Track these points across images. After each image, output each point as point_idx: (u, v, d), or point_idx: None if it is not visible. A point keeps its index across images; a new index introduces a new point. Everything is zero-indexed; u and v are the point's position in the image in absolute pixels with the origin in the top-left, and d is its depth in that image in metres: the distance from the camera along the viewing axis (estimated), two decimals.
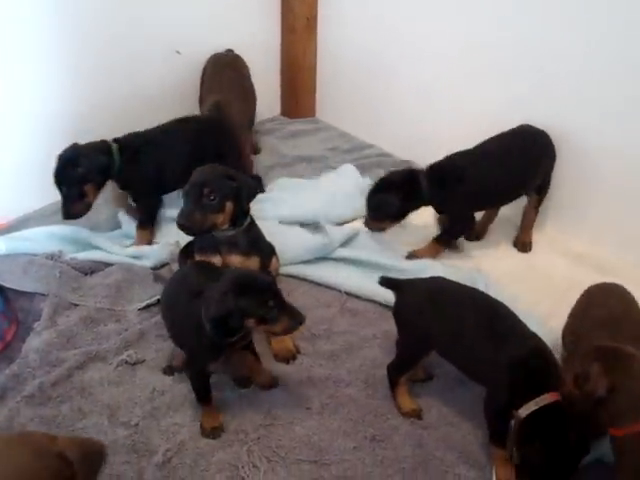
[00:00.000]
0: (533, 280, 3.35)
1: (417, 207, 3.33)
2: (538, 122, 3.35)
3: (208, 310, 2.24)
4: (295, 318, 2.30)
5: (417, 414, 2.62)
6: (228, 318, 2.22)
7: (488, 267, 3.34)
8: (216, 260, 2.83)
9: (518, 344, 2.29)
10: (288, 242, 3.31)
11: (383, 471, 2.41)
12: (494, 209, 3.60)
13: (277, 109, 4.87)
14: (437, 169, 3.27)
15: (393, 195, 3.25)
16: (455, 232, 3.49)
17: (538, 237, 3.60)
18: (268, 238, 3.06)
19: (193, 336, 2.38)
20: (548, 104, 3.42)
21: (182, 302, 2.48)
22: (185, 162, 3.28)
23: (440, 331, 2.45)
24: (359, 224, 3.54)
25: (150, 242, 3.47)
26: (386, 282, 2.66)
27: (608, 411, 2.05)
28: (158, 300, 3.04)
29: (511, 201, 3.44)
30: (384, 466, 2.43)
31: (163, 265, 3.31)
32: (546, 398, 2.15)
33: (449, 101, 3.88)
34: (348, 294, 3.22)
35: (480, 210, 3.55)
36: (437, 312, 2.46)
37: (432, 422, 2.60)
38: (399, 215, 3.33)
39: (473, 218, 3.50)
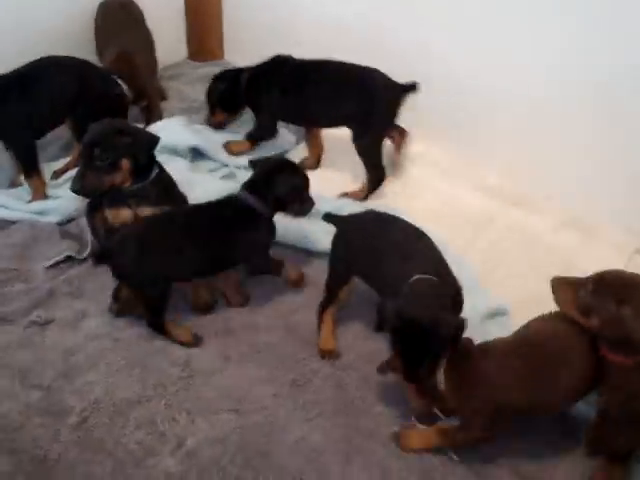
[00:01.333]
0: (448, 216, 3.36)
1: (241, 103, 3.66)
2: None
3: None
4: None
5: (333, 355, 2.62)
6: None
7: (403, 205, 3.32)
8: (126, 214, 2.75)
9: (423, 263, 2.31)
10: (199, 190, 3.21)
11: (304, 415, 2.40)
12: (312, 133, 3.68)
13: (183, 53, 4.70)
14: (255, 71, 3.55)
15: (221, 85, 3.64)
16: (257, 134, 3.64)
17: (452, 172, 3.61)
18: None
19: None
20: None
21: None
22: (53, 104, 3.18)
23: (363, 257, 2.49)
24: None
25: (44, 191, 3.31)
26: (328, 218, 2.71)
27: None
28: (67, 257, 2.95)
29: (322, 126, 3.61)
30: (305, 410, 2.42)
31: (70, 220, 3.19)
32: None
33: (358, 31, 3.82)
34: None
35: (286, 121, 3.65)
36: (363, 239, 2.52)
37: (351, 363, 2.60)
38: (230, 107, 3.70)
39: (274, 127, 3.62)
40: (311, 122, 3.60)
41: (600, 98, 3.13)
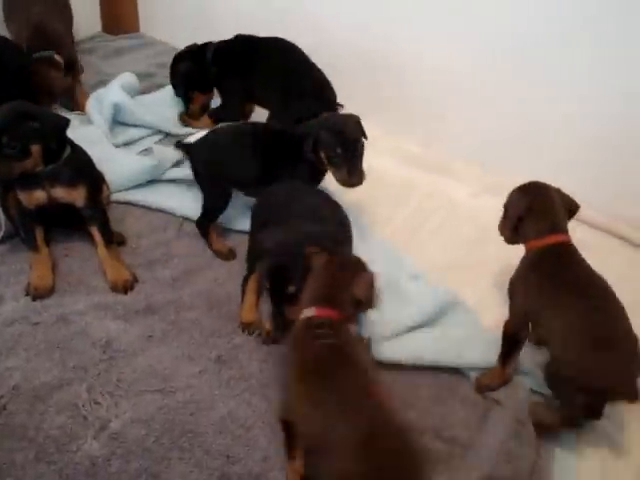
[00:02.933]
0: (370, 185, 3.35)
1: (206, 82, 3.62)
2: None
3: None
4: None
5: (253, 327, 2.62)
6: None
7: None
8: (40, 195, 2.67)
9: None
10: (116, 167, 3.15)
11: (230, 391, 2.39)
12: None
13: (97, 26, 4.56)
14: (221, 48, 3.54)
15: (189, 65, 3.58)
16: (221, 113, 3.65)
17: (372, 141, 3.61)
18: (97, 163, 2.92)
19: None
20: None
21: None
22: None
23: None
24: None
25: None
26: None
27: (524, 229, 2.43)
28: None
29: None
30: (231, 386, 2.40)
31: None
32: None
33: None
34: (184, 217, 3.13)
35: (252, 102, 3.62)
36: (271, 210, 2.67)
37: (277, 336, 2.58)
38: (205, 86, 3.66)
39: (239, 113, 3.61)
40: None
41: (518, 64, 3.17)
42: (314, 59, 3.38)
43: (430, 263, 2.94)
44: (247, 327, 2.62)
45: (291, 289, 2.26)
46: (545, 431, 2.31)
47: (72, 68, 3.69)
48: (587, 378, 2.11)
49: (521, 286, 2.39)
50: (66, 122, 2.67)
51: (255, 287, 2.68)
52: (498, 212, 3.22)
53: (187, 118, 3.68)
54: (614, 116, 3.03)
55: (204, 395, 2.37)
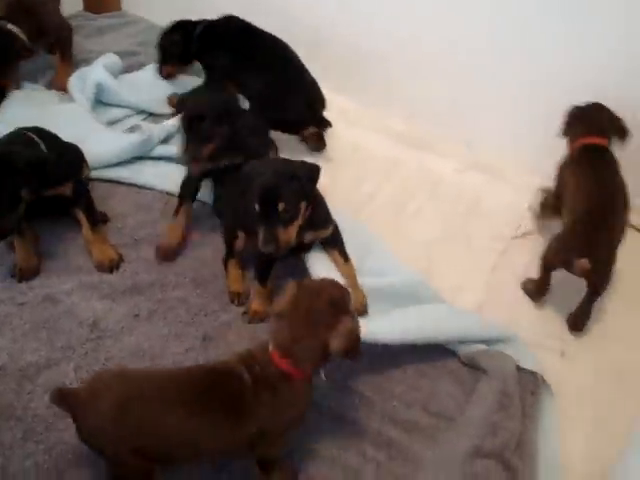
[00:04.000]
0: (356, 162, 3.37)
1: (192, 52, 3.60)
2: None
3: None
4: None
5: (243, 296, 2.66)
6: None
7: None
8: (25, 194, 2.56)
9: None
10: (102, 144, 3.13)
11: None
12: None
13: (79, 5, 4.50)
14: (213, 26, 3.53)
15: (175, 37, 3.56)
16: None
17: (358, 119, 3.61)
18: (80, 142, 2.91)
19: None
20: None
21: None
22: None
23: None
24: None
25: None
26: None
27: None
28: None
29: None
30: None
31: None
32: None
33: None
34: (170, 194, 3.10)
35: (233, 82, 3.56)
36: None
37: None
38: (183, 58, 3.64)
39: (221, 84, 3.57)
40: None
41: (503, 42, 3.18)
42: (296, 34, 3.36)
43: (415, 239, 2.95)
44: (236, 296, 2.65)
45: (281, 206, 2.27)
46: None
47: (60, 44, 3.66)
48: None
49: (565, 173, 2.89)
50: (45, 159, 2.58)
51: (237, 264, 2.72)
52: (483, 187, 3.26)
53: (173, 99, 3.62)
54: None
55: None
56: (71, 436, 2.16)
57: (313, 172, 2.40)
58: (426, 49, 3.39)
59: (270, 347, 1.91)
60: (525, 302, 2.81)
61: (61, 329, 2.49)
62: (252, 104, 3.38)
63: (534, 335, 2.64)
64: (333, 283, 2.02)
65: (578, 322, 2.72)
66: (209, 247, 2.87)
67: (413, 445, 2.25)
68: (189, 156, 2.73)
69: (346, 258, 2.58)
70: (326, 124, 3.37)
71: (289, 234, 2.32)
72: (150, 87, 3.67)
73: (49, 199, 2.70)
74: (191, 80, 3.70)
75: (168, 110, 3.59)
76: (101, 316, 2.54)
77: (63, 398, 1.88)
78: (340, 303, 1.92)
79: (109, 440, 1.83)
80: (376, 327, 2.40)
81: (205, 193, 3.03)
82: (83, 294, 2.61)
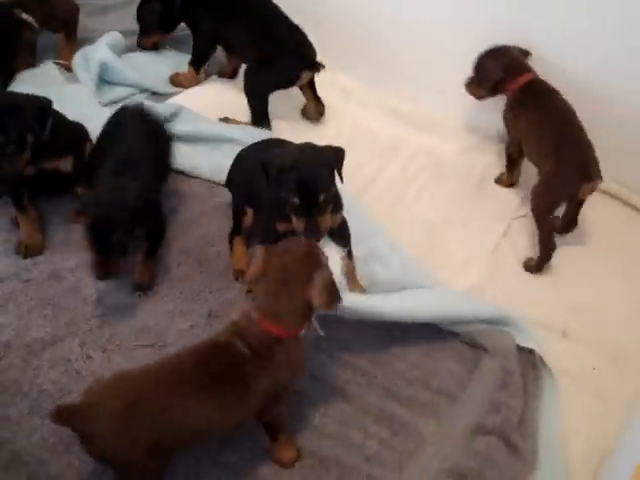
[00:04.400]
0: (359, 142, 3.37)
1: (175, 20, 3.63)
2: None
3: None
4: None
5: (243, 276, 2.62)
6: None
7: (314, 134, 3.31)
8: (29, 169, 2.65)
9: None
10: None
11: None
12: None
13: None
14: None
15: (155, 4, 3.58)
16: (197, 54, 3.63)
17: (361, 98, 3.61)
18: (85, 122, 2.94)
19: None
20: None
21: None
22: None
23: (246, 183, 2.67)
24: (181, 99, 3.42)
25: None
26: None
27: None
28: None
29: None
30: None
31: None
32: None
33: None
34: (178, 172, 3.12)
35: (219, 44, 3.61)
36: (242, 165, 2.75)
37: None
38: (165, 26, 3.67)
39: (210, 49, 3.63)
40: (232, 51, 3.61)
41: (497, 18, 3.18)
42: (296, 11, 3.35)
43: (417, 220, 2.96)
44: (240, 274, 2.65)
45: (322, 197, 2.28)
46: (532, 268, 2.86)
47: (67, 25, 3.67)
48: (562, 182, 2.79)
49: (513, 119, 3.03)
50: (49, 104, 2.64)
51: (242, 241, 2.73)
52: (487, 167, 3.26)
53: (177, 77, 3.65)
54: None
55: None
56: None
57: (341, 155, 2.39)
58: (429, 32, 3.37)
59: (254, 314, 1.92)
60: (526, 282, 2.82)
61: (66, 306, 2.51)
62: (248, 67, 3.38)
63: (535, 314, 2.64)
64: (300, 241, 2.09)
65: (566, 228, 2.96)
66: (213, 225, 2.88)
67: (416, 422, 2.27)
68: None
69: (350, 253, 2.58)
70: (319, 67, 3.31)
71: (327, 222, 2.33)
72: (153, 66, 3.68)
73: (51, 175, 2.72)
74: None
75: (171, 89, 3.59)
76: (105, 293, 2.56)
77: (63, 415, 1.83)
78: (311, 257, 1.96)
79: (120, 446, 1.81)
80: (374, 300, 2.43)
81: (208, 171, 3.04)
82: (87, 271, 2.59)
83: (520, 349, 2.45)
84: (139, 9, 3.67)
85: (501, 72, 3.01)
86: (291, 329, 1.93)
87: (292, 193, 2.27)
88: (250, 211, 2.69)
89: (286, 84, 3.37)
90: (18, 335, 2.40)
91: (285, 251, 1.97)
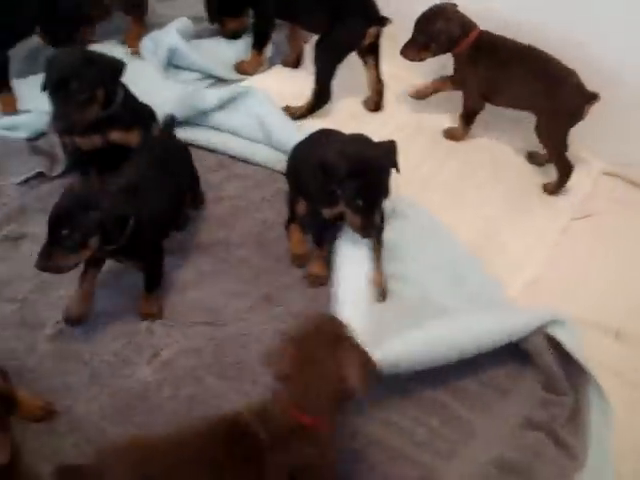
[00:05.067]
0: (420, 137, 3.39)
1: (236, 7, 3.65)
2: None
3: None
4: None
5: (304, 259, 2.70)
6: None
7: (376, 128, 3.32)
8: (97, 140, 2.72)
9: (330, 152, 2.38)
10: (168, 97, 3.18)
11: (277, 326, 2.46)
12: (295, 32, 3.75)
13: None
14: None
15: None
16: (258, 34, 3.65)
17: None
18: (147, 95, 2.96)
19: None
20: None
21: None
22: (21, 11, 3.11)
23: (298, 173, 2.72)
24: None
25: (15, 106, 3.24)
26: None
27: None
28: (38, 173, 2.93)
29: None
30: (278, 322, 2.48)
31: (40, 135, 3.15)
32: None
33: None
34: (233, 158, 3.18)
35: (282, 18, 3.61)
36: (298, 156, 2.75)
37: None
38: (235, 10, 3.67)
39: (272, 24, 3.61)
40: (295, 20, 3.61)
41: None
42: None
43: (476, 215, 2.99)
44: (298, 259, 2.70)
45: (382, 199, 2.33)
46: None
47: (138, 7, 3.75)
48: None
49: (472, 75, 3.18)
50: (123, 65, 2.70)
51: (298, 227, 2.77)
52: (545, 168, 3.25)
53: (241, 65, 3.69)
54: None
55: (252, 329, 2.46)
56: (135, 381, 2.27)
57: (395, 149, 2.41)
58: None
59: (284, 402, 1.80)
60: (582, 282, 2.80)
61: (128, 282, 2.56)
62: (317, 40, 3.39)
63: (589, 314, 2.63)
64: (324, 319, 1.96)
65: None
66: (272, 210, 2.92)
67: (466, 413, 2.28)
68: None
69: (379, 240, 2.60)
70: (385, 21, 3.28)
71: (379, 219, 2.36)
72: (220, 52, 3.73)
73: (118, 151, 2.76)
74: None
75: (236, 76, 3.64)
76: (167, 271, 2.59)
77: (66, 475, 1.75)
78: (339, 337, 1.83)
79: None
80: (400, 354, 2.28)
81: (266, 158, 3.11)
82: None
83: (569, 348, 2.43)
84: (206, 8, 3.73)
85: (459, 30, 3.13)
86: (324, 419, 1.81)
87: (356, 196, 2.30)
88: (302, 200, 2.74)
89: (353, 43, 3.35)
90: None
91: (311, 335, 1.84)
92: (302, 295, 2.59)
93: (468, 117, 3.34)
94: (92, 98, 2.58)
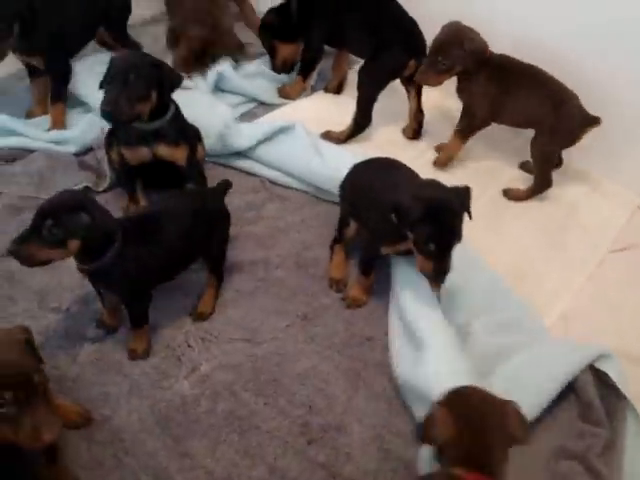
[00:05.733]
0: (458, 167, 3.42)
1: (289, 31, 3.68)
2: None
3: None
4: None
5: (341, 284, 2.74)
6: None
7: (418, 156, 3.40)
8: (144, 152, 2.78)
9: (404, 194, 2.34)
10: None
11: (314, 347, 2.50)
12: (344, 58, 3.82)
13: None
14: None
15: (274, 17, 3.69)
16: (306, 61, 3.75)
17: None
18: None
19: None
20: None
21: None
22: (85, 16, 3.29)
23: (356, 199, 2.68)
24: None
25: (64, 120, 3.37)
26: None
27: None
28: (85, 187, 3.01)
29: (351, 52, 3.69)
30: (315, 342, 2.52)
31: (87, 150, 3.25)
32: None
33: None
34: (272, 182, 3.26)
35: (331, 45, 3.70)
36: (359, 181, 2.70)
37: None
38: (289, 36, 3.70)
39: (321, 51, 3.71)
40: (344, 46, 3.68)
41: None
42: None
43: (511, 245, 3.01)
44: (335, 283, 2.73)
45: (454, 244, 2.28)
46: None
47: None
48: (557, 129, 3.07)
49: (481, 93, 3.16)
50: (181, 79, 2.76)
51: (342, 249, 2.80)
52: (581, 199, 3.26)
53: (284, 89, 3.79)
54: None
55: (289, 348, 2.49)
56: (173, 394, 2.32)
57: (470, 195, 2.38)
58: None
59: (456, 472, 1.72)
60: (616, 314, 2.80)
61: (169, 296, 2.61)
62: (364, 66, 3.44)
63: (623, 346, 2.62)
64: (472, 391, 1.88)
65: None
66: (311, 232, 2.97)
67: None
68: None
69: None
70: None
71: (450, 263, 2.33)
72: (263, 77, 3.83)
73: (164, 167, 2.84)
74: None
75: (279, 100, 3.73)
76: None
77: None
78: (490, 397, 1.83)
79: None
80: None
81: (305, 185, 3.17)
82: (192, 267, 2.68)
83: (606, 378, 2.44)
84: (260, 32, 3.81)
85: (484, 50, 3.09)
86: (499, 475, 1.75)
87: (428, 240, 2.27)
88: (353, 224, 2.75)
89: (395, 72, 3.41)
90: (124, 318, 2.51)
91: (463, 398, 1.83)
92: (338, 316, 2.62)
93: (470, 133, 3.33)
94: (145, 96, 2.61)
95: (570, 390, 2.40)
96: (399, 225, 2.32)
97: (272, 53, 3.82)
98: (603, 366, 2.39)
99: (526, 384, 2.32)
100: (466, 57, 3.05)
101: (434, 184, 2.40)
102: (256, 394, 2.34)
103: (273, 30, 3.72)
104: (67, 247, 2.10)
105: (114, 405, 2.29)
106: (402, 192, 2.35)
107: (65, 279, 2.66)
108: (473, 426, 1.75)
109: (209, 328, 2.54)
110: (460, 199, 2.33)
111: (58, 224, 2.05)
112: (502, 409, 1.78)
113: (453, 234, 2.27)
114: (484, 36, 3.10)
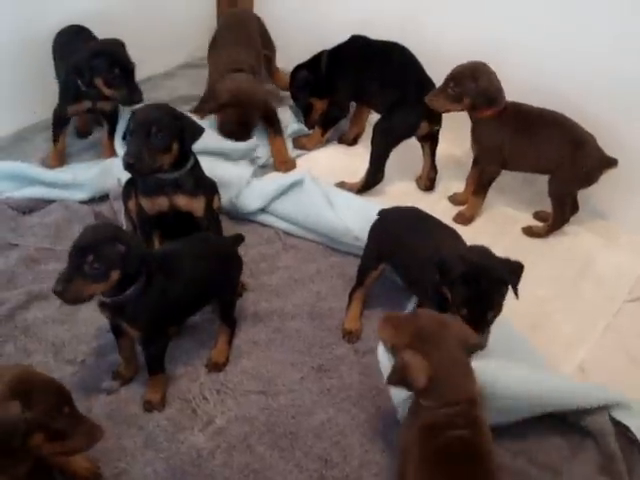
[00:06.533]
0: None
1: (322, 88, 3.73)
2: None
3: None
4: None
5: (354, 336, 2.73)
6: None
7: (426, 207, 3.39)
8: (163, 202, 2.79)
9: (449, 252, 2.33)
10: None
11: (330, 399, 2.49)
12: (364, 113, 3.90)
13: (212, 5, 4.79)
14: (335, 51, 3.69)
15: (307, 74, 3.74)
16: (330, 116, 3.82)
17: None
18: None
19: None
20: None
21: None
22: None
23: (392, 247, 2.62)
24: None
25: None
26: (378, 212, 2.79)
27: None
28: None
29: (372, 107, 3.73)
30: (331, 394, 2.51)
31: (101, 198, 3.31)
32: None
33: None
34: (287, 233, 3.29)
35: (355, 100, 3.79)
36: (397, 230, 2.63)
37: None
38: (321, 92, 3.75)
39: (347, 109, 3.81)
40: (365, 101, 3.74)
41: None
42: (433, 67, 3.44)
43: (526, 295, 2.97)
44: (349, 335, 2.72)
45: (490, 314, 2.22)
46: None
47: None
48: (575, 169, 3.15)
49: (496, 141, 3.22)
50: (202, 130, 2.78)
51: (362, 297, 2.79)
52: (595, 249, 3.26)
53: (300, 140, 3.84)
54: None
55: (305, 400, 2.48)
56: (189, 448, 2.30)
57: (520, 271, 2.32)
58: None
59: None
60: (633, 366, 2.78)
61: (185, 348, 2.64)
62: (376, 124, 3.51)
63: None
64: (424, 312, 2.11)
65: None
66: (325, 283, 2.99)
67: None
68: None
69: None
70: (439, 122, 3.44)
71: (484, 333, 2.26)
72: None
73: (182, 218, 2.86)
74: None
75: (294, 151, 3.80)
76: None
77: None
78: (440, 319, 2.01)
79: None
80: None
81: (319, 236, 3.18)
82: (205, 317, 2.73)
83: (624, 429, 2.41)
84: (296, 91, 3.88)
85: (497, 95, 3.15)
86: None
87: (462, 304, 2.21)
88: (379, 268, 2.72)
89: (408, 131, 3.45)
90: (139, 370, 2.52)
91: (424, 333, 1.95)
92: (353, 368, 2.61)
93: (488, 185, 3.36)
94: (167, 147, 2.64)
95: (587, 437, 2.39)
96: (440, 282, 2.28)
97: (308, 110, 3.87)
98: (624, 419, 2.37)
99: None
100: (477, 92, 3.11)
101: (485, 250, 2.34)
102: (272, 447, 2.32)
103: (308, 87, 3.77)
104: (109, 279, 2.14)
105: (129, 458, 2.28)
106: (447, 249, 2.35)
107: (81, 331, 2.67)
108: (444, 362, 1.90)
109: (224, 380, 2.53)
110: (509, 272, 2.27)
111: (99, 258, 2.09)
112: (452, 328, 1.96)
113: (489, 304, 2.20)
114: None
